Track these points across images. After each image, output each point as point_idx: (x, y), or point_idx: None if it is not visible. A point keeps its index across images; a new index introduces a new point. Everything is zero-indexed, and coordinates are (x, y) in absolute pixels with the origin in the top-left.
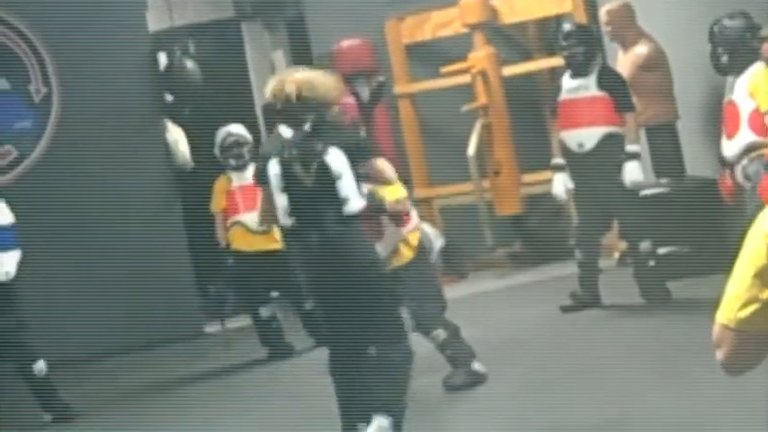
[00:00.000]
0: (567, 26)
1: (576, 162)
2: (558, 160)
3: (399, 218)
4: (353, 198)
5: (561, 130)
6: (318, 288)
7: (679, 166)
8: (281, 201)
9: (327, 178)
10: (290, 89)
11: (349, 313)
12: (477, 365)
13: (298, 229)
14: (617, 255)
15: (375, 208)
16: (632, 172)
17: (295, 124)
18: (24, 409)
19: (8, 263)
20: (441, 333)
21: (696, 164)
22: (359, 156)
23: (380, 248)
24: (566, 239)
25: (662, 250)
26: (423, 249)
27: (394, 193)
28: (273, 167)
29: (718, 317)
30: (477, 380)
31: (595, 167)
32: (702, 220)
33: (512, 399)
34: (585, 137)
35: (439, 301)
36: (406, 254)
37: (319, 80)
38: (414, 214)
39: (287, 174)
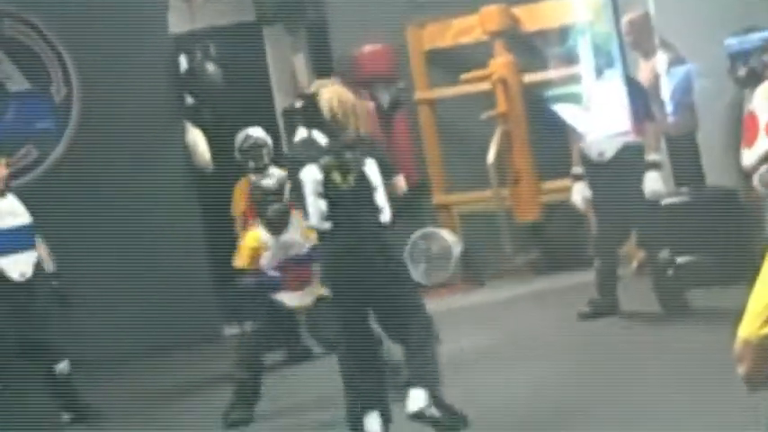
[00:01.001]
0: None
1: (597, 171)
2: (578, 169)
3: None
4: (386, 208)
5: (581, 140)
6: (353, 285)
7: (699, 175)
8: (319, 205)
9: (366, 187)
10: (340, 100)
11: (385, 305)
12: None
13: (335, 233)
14: (635, 263)
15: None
16: (653, 182)
17: (332, 133)
18: (44, 408)
19: (24, 263)
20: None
21: (716, 173)
22: (387, 171)
23: None
24: (585, 247)
25: (681, 259)
26: None
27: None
28: (312, 172)
29: (740, 332)
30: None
31: (615, 176)
32: (722, 230)
33: (529, 406)
34: (606, 146)
35: None
36: None
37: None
38: None
39: (327, 179)
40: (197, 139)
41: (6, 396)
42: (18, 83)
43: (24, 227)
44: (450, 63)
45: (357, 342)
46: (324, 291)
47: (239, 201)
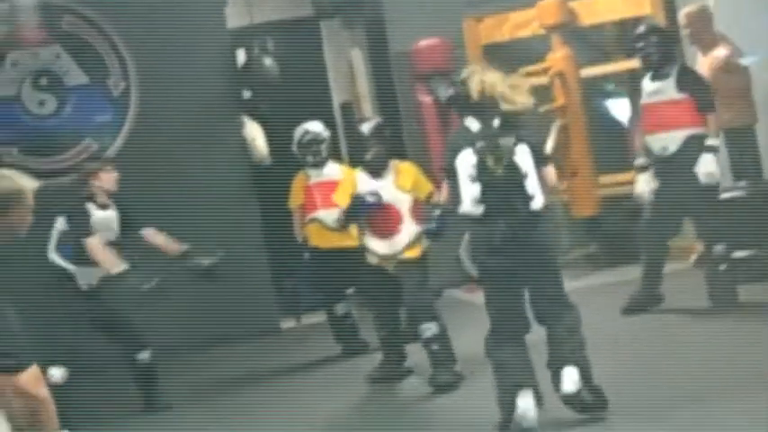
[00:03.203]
0: (640, 28)
1: (660, 165)
2: (642, 160)
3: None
4: (538, 195)
5: (645, 134)
6: (502, 269)
7: (757, 169)
8: (473, 189)
9: (517, 174)
10: (489, 83)
11: (536, 291)
12: (458, 367)
13: (487, 217)
14: (694, 257)
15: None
16: (707, 163)
17: (484, 118)
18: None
19: (94, 276)
20: (432, 327)
21: None
22: (539, 158)
23: None
24: None
25: (739, 254)
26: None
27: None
28: (468, 157)
29: None
30: (459, 379)
31: (678, 170)
32: None
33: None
34: (669, 140)
35: (431, 291)
36: (421, 247)
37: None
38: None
39: (480, 164)
40: (254, 132)
41: (81, 382)
42: (76, 77)
43: (109, 243)
44: (507, 57)
45: (509, 325)
46: (408, 255)
47: (297, 194)
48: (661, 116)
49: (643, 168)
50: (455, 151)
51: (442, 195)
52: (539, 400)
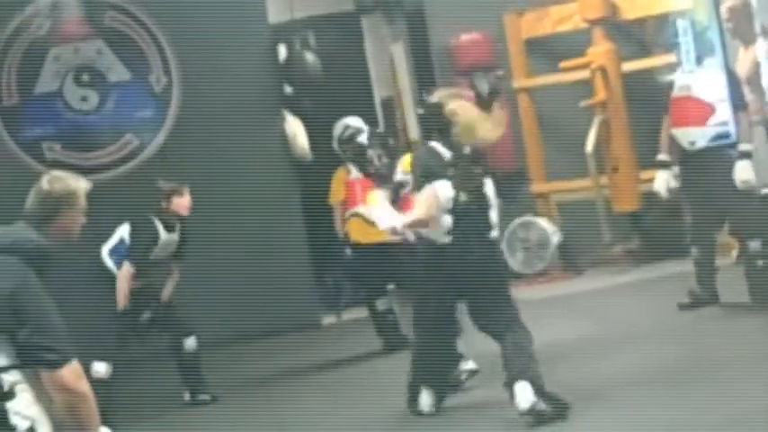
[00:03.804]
0: (679, 22)
1: (689, 160)
2: (664, 157)
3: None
4: (496, 225)
5: (673, 128)
6: (451, 286)
7: None
8: (446, 220)
9: (484, 205)
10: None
11: (484, 308)
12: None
13: (453, 245)
14: (734, 253)
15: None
16: (743, 171)
17: (454, 147)
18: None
19: None
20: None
21: None
22: (506, 190)
23: None
24: (683, 236)
25: None
26: None
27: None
28: (445, 189)
29: None
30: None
31: (706, 165)
32: None
33: (628, 395)
34: (697, 135)
35: None
36: None
37: (482, 121)
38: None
39: (456, 197)
40: (296, 128)
41: (128, 373)
42: (119, 73)
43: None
44: (548, 51)
45: (440, 329)
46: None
47: (338, 189)
48: (691, 111)
49: (664, 165)
50: (428, 175)
51: (417, 211)
52: (439, 398)
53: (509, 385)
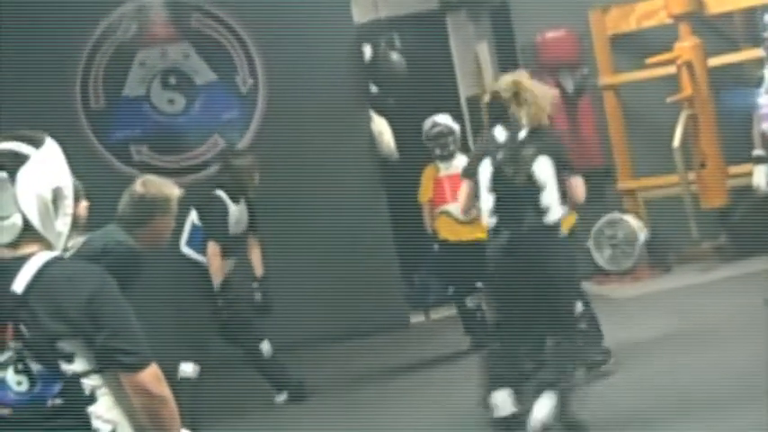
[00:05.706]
0: (766, 16)
1: None
2: (759, 151)
3: None
4: (554, 208)
5: (764, 123)
6: (510, 285)
7: None
8: (488, 200)
9: (532, 185)
10: (508, 92)
11: (532, 311)
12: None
13: (498, 229)
14: None
15: None
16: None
17: (511, 128)
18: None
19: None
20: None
21: None
22: (564, 169)
23: None
24: None
25: None
26: None
27: None
28: (486, 167)
29: None
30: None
31: None
32: None
33: (714, 391)
34: None
35: None
36: None
37: (538, 89)
38: None
39: (497, 175)
40: (382, 127)
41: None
42: (205, 75)
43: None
44: (634, 47)
45: (506, 333)
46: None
47: (427, 187)
48: None
49: (760, 160)
50: (479, 159)
51: (460, 198)
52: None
53: (537, 393)
